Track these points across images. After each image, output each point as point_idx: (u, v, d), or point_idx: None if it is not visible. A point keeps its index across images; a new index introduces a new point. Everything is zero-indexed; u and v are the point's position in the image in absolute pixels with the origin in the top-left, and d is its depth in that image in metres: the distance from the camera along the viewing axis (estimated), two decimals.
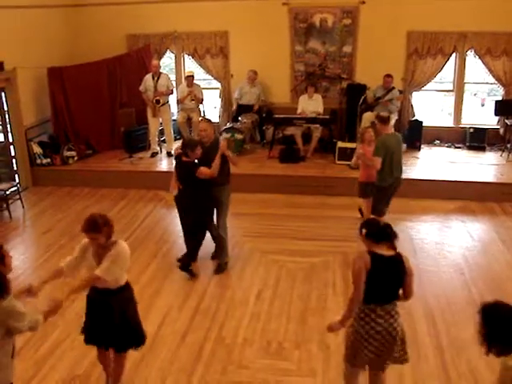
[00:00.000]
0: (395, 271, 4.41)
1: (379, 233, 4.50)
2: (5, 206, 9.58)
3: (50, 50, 11.47)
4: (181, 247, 8.32)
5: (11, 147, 10.80)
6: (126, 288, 4.72)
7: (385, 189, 7.83)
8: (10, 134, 10.72)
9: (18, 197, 9.92)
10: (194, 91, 11.51)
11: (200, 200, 7.02)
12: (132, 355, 5.54)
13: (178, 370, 5.35)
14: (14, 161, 10.86)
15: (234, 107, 12.24)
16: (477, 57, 11.52)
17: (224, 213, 7.48)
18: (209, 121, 7.53)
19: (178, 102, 11.83)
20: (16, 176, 10.82)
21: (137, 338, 4.88)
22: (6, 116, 10.61)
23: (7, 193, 9.60)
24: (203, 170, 6.86)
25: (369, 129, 8.54)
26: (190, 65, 12.83)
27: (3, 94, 10.47)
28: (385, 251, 4.44)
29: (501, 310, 3.38)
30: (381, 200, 7.93)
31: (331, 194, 9.93)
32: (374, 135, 8.17)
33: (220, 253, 7.49)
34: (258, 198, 9.88)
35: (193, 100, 11.55)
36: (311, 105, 11.26)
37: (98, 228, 4.38)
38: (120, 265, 4.48)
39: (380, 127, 7.83)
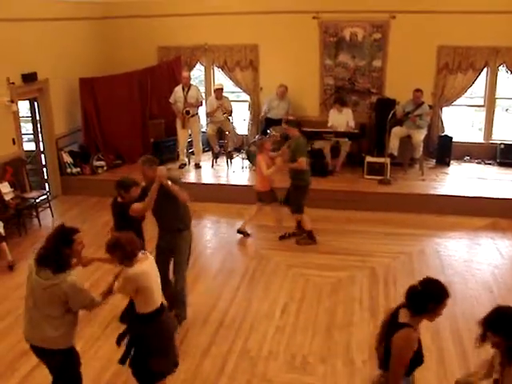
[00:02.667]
0: None
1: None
2: (35, 213, 9.71)
3: (82, 62, 11.62)
4: (207, 259, 8.36)
5: (42, 156, 10.94)
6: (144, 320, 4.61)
7: (306, 187, 8.51)
8: (41, 143, 10.86)
9: (47, 205, 10.04)
10: (224, 104, 11.57)
11: None
12: None
13: (201, 382, 5.34)
14: (44, 169, 10.99)
15: (261, 119, 12.23)
16: (509, 72, 11.39)
17: (182, 265, 6.27)
18: (155, 162, 6.16)
19: (208, 115, 11.87)
20: (46, 184, 10.95)
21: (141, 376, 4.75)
22: (38, 125, 10.76)
23: (37, 201, 9.72)
24: (135, 205, 5.82)
25: (268, 139, 9.23)
26: (220, 77, 12.89)
27: (36, 104, 10.62)
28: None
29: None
30: (304, 198, 8.53)
31: (359, 208, 9.87)
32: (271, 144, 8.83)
33: (178, 306, 6.36)
34: (285, 212, 9.85)
35: (225, 113, 11.61)
36: (341, 118, 11.23)
37: (110, 250, 4.51)
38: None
39: (290, 131, 8.48)
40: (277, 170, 8.45)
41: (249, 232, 9.02)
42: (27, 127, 11.49)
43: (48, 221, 9.86)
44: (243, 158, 11.68)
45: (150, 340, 4.57)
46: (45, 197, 10.03)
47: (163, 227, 6.21)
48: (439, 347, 5.87)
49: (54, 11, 10.65)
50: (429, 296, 3.61)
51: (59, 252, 4.16)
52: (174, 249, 6.17)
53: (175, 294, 6.26)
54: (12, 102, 9.56)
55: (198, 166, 11.64)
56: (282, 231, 8.90)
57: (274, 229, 8.98)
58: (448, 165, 11.49)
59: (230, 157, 11.72)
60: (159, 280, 4.72)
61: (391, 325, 3.73)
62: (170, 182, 5.77)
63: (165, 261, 6.19)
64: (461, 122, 14.47)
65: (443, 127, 11.95)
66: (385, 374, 3.78)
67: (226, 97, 11.77)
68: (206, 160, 11.93)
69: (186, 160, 11.84)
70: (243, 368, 5.57)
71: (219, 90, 11.59)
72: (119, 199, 5.98)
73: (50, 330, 4.25)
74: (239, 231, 8.99)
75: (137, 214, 5.81)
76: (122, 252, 4.42)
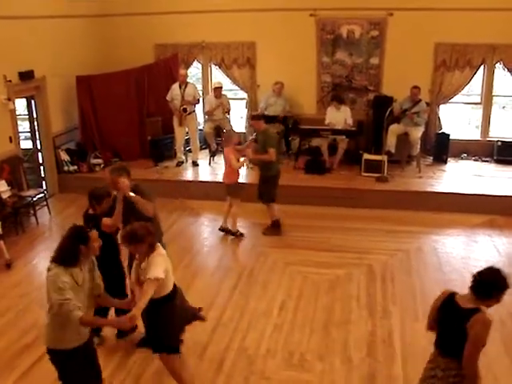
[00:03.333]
0: None
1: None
2: (32, 211, 9.70)
3: (79, 59, 11.59)
4: (204, 257, 8.36)
5: (39, 154, 10.93)
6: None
7: (277, 177, 8.86)
8: (38, 141, 10.85)
9: (44, 203, 10.04)
10: (223, 102, 11.57)
11: (110, 266, 5.56)
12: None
13: (199, 380, 5.34)
14: (41, 167, 10.99)
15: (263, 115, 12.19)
16: (505, 69, 11.40)
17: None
18: (125, 171, 5.99)
19: (207, 114, 11.86)
20: (43, 183, 10.94)
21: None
22: (35, 123, 10.74)
23: (34, 199, 9.71)
24: (105, 221, 5.52)
25: (235, 133, 9.34)
26: (217, 75, 12.87)
27: (33, 102, 10.61)
28: None
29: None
30: (275, 186, 8.83)
31: (356, 206, 9.87)
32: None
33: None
34: (282, 209, 9.84)
35: (226, 112, 11.62)
36: (339, 116, 11.23)
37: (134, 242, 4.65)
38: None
39: (257, 124, 8.76)
40: (246, 161, 8.91)
41: (230, 228, 9.03)
42: (24, 125, 11.47)
43: (45, 219, 9.85)
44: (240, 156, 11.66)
45: (171, 318, 4.78)
46: (42, 195, 10.02)
47: None
48: None
49: (51, 9, 10.62)
50: (495, 284, 3.85)
51: (76, 249, 4.15)
52: None
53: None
54: (9, 99, 9.55)
55: (195, 164, 11.63)
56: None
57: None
58: (445, 162, 11.50)
59: None
60: None
61: (453, 310, 3.98)
62: (133, 194, 5.51)
63: None
64: (458, 119, 14.48)
65: (440, 124, 11.95)
66: (447, 359, 3.97)
67: (224, 95, 11.76)
68: (203, 158, 11.92)
69: (184, 158, 11.82)
70: (241, 366, 5.58)
71: (218, 89, 11.57)
72: (90, 211, 5.72)
73: (47, 326, 4.28)
74: (221, 229, 9.05)
75: (108, 229, 5.50)
76: (150, 242, 4.58)
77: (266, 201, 8.88)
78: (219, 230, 9.01)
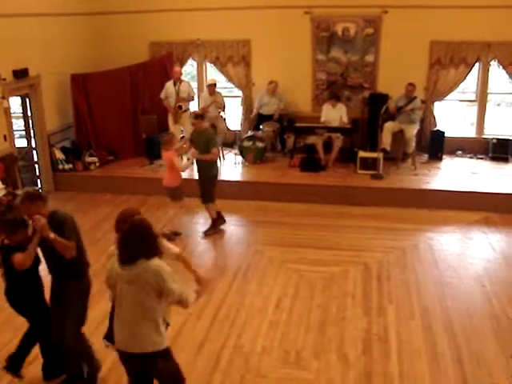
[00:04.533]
0: None
1: None
2: None
3: (74, 57, 11.57)
4: (199, 255, 8.34)
5: (34, 152, 10.90)
6: None
7: (217, 177, 8.91)
8: (33, 140, 10.82)
9: None
10: (217, 99, 11.55)
11: (23, 299, 5.05)
12: None
13: (195, 378, 5.32)
14: (36, 166, 10.96)
15: (253, 115, 12.23)
16: (500, 67, 11.42)
17: (72, 318, 5.02)
18: (40, 199, 5.04)
19: (201, 111, 11.81)
20: (38, 181, 10.92)
21: None
22: (30, 122, 10.71)
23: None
24: (16, 257, 4.72)
25: (174, 136, 9.20)
26: (212, 73, 12.87)
27: (27, 100, 10.58)
28: None
29: None
30: (215, 186, 8.85)
31: (352, 203, 9.89)
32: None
33: (73, 365, 5.19)
34: (278, 207, 9.87)
35: (219, 108, 11.59)
36: (334, 113, 11.22)
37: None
38: None
39: (198, 124, 8.63)
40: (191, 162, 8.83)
41: (179, 232, 8.86)
42: (19, 123, 11.45)
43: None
44: (236, 154, 11.67)
45: None
46: None
47: (51, 274, 5.06)
48: (431, 340, 5.89)
49: (46, 7, 10.58)
50: None
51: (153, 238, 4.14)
52: (60, 299, 5.00)
53: (66, 354, 5.06)
54: (3, 98, 9.52)
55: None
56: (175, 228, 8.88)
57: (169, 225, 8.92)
58: (440, 159, 11.52)
59: None
60: None
61: None
62: (52, 235, 4.59)
63: None
64: (453, 116, 14.51)
65: (435, 122, 11.97)
66: None
67: (218, 92, 11.74)
68: None
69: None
70: (237, 364, 5.57)
71: (212, 86, 11.56)
72: (6, 241, 4.89)
73: (144, 330, 4.05)
74: (171, 233, 8.66)
75: (19, 267, 4.71)
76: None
77: (207, 201, 8.81)
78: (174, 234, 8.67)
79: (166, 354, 4.16)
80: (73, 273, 4.97)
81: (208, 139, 8.48)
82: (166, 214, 9.01)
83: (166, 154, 8.48)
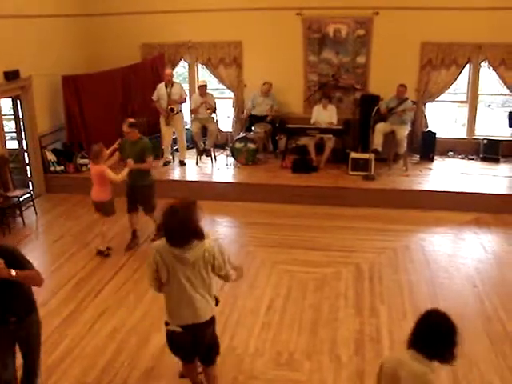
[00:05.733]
0: None
1: None
2: (18, 212, 9.63)
3: (65, 59, 11.54)
4: None
5: (25, 154, 10.86)
6: None
7: (155, 184, 8.49)
8: (24, 142, 10.78)
9: (31, 203, 9.97)
10: (208, 101, 11.54)
11: None
12: (143, 364, 5.57)
13: (187, 379, 5.32)
14: (27, 168, 10.92)
15: (244, 116, 12.26)
16: (491, 68, 11.48)
17: (38, 355, 4.78)
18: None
19: (192, 112, 11.83)
20: (29, 183, 10.87)
21: None
22: (21, 123, 10.67)
23: (21, 199, 9.65)
24: None
25: (103, 146, 8.14)
26: (204, 74, 12.86)
27: (18, 102, 10.53)
28: None
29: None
30: (155, 195, 8.45)
31: (344, 204, 9.90)
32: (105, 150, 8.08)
33: None
34: (270, 208, 9.88)
35: (208, 109, 11.56)
36: (325, 115, 11.24)
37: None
38: None
39: (132, 133, 8.15)
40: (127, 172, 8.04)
41: (107, 251, 8.31)
42: (10, 125, 11.40)
43: (32, 219, 9.79)
44: (227, 155, 11.67)
45: None
46: (28, 195, 9.96)
47: (16, 315, 4.45)
48: None
49: (37, 8, 10.57)
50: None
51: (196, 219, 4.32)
52: (27, 341, 4.64)
53: None
54: None
55: (182, 164, 11.61)
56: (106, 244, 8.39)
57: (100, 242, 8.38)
58: (432, 160, 11.56)
59: (209, 154, 11.77)
60: None
61: None
62: (14, 273, 4.16)
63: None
64: (444, 117, 14.55)
65: (427, 123, 12.01)
66: None
67: (210, 93, 11.73)
68: (190, 157, 11.90)
69: (171, 157, 11.80)
70: (229, 365, 5.56)
71: (203, 87, 11.55)
72: None
73: (205, 300, 4.46)
74: (99, 252, 8.24)
75: None
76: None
77: (151, 210, 8.42)
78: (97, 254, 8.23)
79: (214, 320, 4.64)
80: (31, 307, 4.64)
81: (143, 148, 8.11)
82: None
83: (95, 167, 7.91)
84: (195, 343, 4.54)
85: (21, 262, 4.35)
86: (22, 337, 4.55)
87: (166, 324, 4.56)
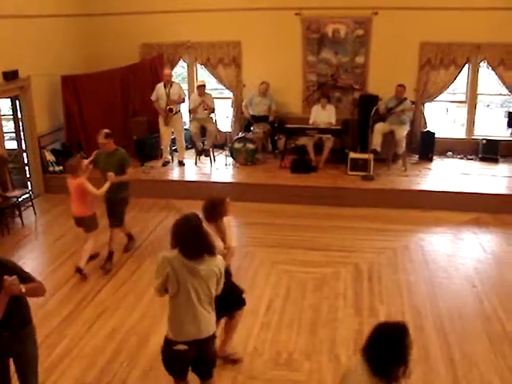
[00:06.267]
0: None
1: None
2: (17, 212, 9.62)
3: (64, 59, 11.53)
4: None
5: (24, 154, 10.85)
6: None
7: (129, 198, 8.07)
8: (23, 142, 10.77)
9: (30, 204, 9.97)
10: (206, 100, 11.53)
11: None
12: (142, 365, 5.57)
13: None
14: (26, 168, 10.91)
15: (248, 116, 12.17)
16: (490, 68, 11.48)
17: (35, 372, 4.50)
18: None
19: (190, 111, 11.82)
20: (28, 183, 10.86)
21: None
22: (20, 123, 10.67)
23: (20, 200, 9.64)
24: None
25: (81, 158, 7.94)
26: (203, 74, 12.86)
27: (17, 102, 10.53)
28: None
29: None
30: (125, 209, 8.09)
31: (343, 204, 9.89)
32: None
33: None
34: (269, 208, 9.87)
35: (205, 110, 11.55)
36: (324, 115, 11.24)
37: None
38: None
39: (108, 144, 7.70)
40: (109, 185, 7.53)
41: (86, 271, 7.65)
42: (9, 125, 11.40)
43: (31, 220, 9.78)
44: (226, 155, 11.66)
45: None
46: (27, 195, 9.95)
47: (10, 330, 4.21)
48: (423, 341, 5.90)
49: (36, 8, 10.55)
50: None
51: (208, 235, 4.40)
52: (23, 357, 4.38)
53: None
54: None
55: (181, 164, 11.61)
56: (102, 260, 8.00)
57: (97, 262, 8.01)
58: (431, 160, 11.56)
59: (207, 154, 11.77)
60: None
61: None
62: (24, 289, 3.99)
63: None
64: (443, 117, 14.56)
65: (426, 123, 12.01)
66: None
67: (208, 93, 11.72)
68: (189, 157, 11.89)
69: (170, 157, 11.79)
70: (228, 365, 5.56)
71: (201, 87, 11.54)
72: None
73: (210, 315, 4.46)
74: (78, 270, 7.53)
75: None
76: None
77: (118, 225, 8.02)
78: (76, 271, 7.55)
79: (215, 335, 4.61)
80: (28, 320, 4.38)
81: (121, 159, 7.70)
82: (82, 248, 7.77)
83: (74, 181, 7.36)
84: (198, 359, 4.49)
85: (21, 275, 4.08)
86: (16, 352, 4.30)
87: (166, 339, 4.43)
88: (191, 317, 4.31)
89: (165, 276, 4.26)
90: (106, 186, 7.46)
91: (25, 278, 4.11)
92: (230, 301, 5.12)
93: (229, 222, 5.34)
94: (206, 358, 4.55)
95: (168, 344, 4.39)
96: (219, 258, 4.38)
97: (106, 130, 7.76)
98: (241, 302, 5.41)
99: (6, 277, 3.89)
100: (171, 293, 4.31)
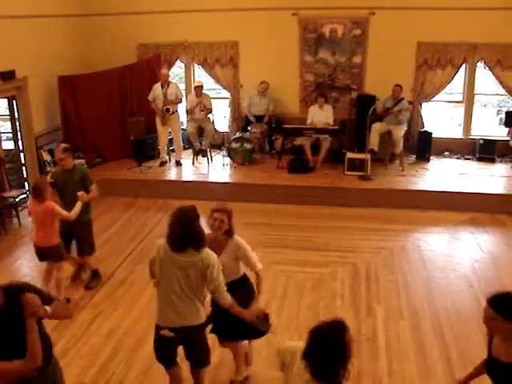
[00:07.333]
0: None
1: None
2: (14, 212, 9.62)
3: (61, 59, 11.51)
4: None
5: (21, 155, 10.83)
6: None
7: (92, 220, 7.31)
8: (20, 142, 10.75)
9: (27, 204, 9.95)
10: (203, 101, 11.53)
11: None
12: (139, 365, 5.56)
13: (186, 380, 5.32)
14: (23, 168, 10.89)
15: (249, 116, 12.20)
16: (486, 68, 11.49)
17: None
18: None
19: (188, 112, 11.82)
20: (25, 183, 10.84)
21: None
22: (17, 124, 10.65)
23: (17, 200, 9.64)
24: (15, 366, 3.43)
25: (47, 179, 6.96)
26: (200, 74, 12.86)
27: (14, 102, 10.51)
28: None
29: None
30: (92, 231, 7.33)
31: (340, 204, 9.90)
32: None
33: None
34: (266, 208, 9.87)
35: (202, 111, 11.55)
36: (321, 115, 11.25)
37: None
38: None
39: (68, 159, 6.91)
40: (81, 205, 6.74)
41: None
42: (6, 126, 11.38)
43: (28, 220, 9.70)
44: (224, 156, 11.66)
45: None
46: (24, 195, 9.95)
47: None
48: (420, 341, 5.92)
49: (33, 8, 10.52)
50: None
51: (199, 231, 4.38)
52: None
53: None
54: None
55: (178, 164, 11.61)
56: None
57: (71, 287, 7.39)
58: (428, 160, 11.57)
59: (204, 154, 11.78)
60: None
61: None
62: (49, 309, 3.45)
63: None
64: (440, 117, 14.57)
65: (423, 123, 12.02)
66: None
67: (206, 94, 11.72)
68: (186, 157, 11.90)
69: (167, 157, 11.79)
70: (226, 365, 5.55)
71: (199, 88, 11.54)
72: None
73: (194, 306, 4.48)
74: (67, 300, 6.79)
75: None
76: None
77: (89, 252, 7.30)
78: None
79: (204, 327, 4.65)
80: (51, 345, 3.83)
81: (82, 176, 6.96)
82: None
83: (40, 206, 6.42)
84: (186, 347, 4.64)
85: (42, 294, 3.52)
86: None
87: (157, 327, 4.58)
88: (171, 304, 4.42)
89: (152, 260, 4.48)
90: (78, 206, 6.65)
91: (48, 299, 3.57)
92: (259, 330, 5.01)
93: (243, 243, 5.17)
94: (192, 347, 4.67)
95: (156, 329, 4.58)
96: (206, 251, 4.35)
97: (65, 145, 7.15)
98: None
99: (26, 293, 3.31)
100: (157, 279, 4.46)
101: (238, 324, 4.75)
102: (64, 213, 6.52)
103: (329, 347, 3.13)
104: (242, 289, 5.01)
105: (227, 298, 4.47)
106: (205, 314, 4.62)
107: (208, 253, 4.36)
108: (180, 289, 4.35)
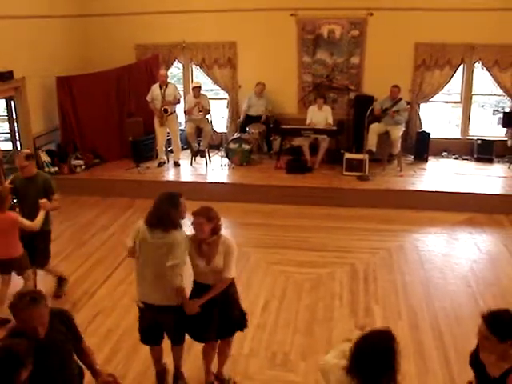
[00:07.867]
0: None
1: None
2: None
3: (59, 60, 11.51)
4: None
5: None
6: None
7: (51, 231, 6.96)
8: (18, 143, 10.75)
9: None
10: (201, 102, 11.52)
11: None
12: (137, 366, 5.56)
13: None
14: None
15: (242, 118, 12.25)
16: (484, 69, 11.51)
17: None
18: None
19: (186, 113, 11.83)
20: None
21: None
22: (15, 124, 10.65)
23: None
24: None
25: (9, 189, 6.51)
26: (198, 75, 12.85)
27: (12, 103, 10.51)
28: None
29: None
30: (50, 245, 6.92)
31: (338, 205, 9.91)
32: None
33: None
34: (264, 209, 9.88)
35: (200, 111, 11.54)
36: (320, 116, 11.25)
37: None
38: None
39: (30, 166, 6.59)
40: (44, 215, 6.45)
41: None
42: (4, 126, 11.38)
43: None
44: (222, 156, 11.66)
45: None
46: None
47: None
48: (418, 341, 5.92)
49: (31, 9, 10.54)
50: None
51: (169, 214, 4.66)
52: None
53: None
54: None
55: (176, 164, 11.61)
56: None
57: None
58: (426, 161, 11.58)
59: (203, 155, 11.79)
60: None
61: None
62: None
63: None
64: (438, 118, 14.58)
65: (421, 123, 12.03)
66: None
67: (204, 95, 11.71)
68: (184, 158, 11.89)
69: (165, 158, 11.78)
70: (224, 366, 5.56)
71: (197, 88, 11.53)
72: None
73: (165, 287, 4.68)
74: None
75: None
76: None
77: (43, 264, 6.87)
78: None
79: (178, 310, 4.78)
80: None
81: (45, 185, 6.65)
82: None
83: (1, 216, 6.13)
84: (157, 325, 4.96)
85: (76, 330, 3.87)
86: None
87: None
88: (144, 281, 4.79)
89: (132, 236, 4.87)
90: (42, 215, 6.33)
91: (78, 338, 3.88)
92: (235, 323, 5.13)
93: (233, 246, 5.18)
94: (163, 325, 4.96)
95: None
96: (175, 232, 4.63)
97: (27, 151, 6.88)
98: (244, 325, 5.19)
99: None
100: (136, 254, 4.83)
101: (235, 318, 5.06)
102: (27, 222, 6.23)
103: (378, 356, 3.06)
104: (233, 288, 5.25)
105: (178, 281, 4.61)
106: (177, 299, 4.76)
107: (176, 234, 4.64)
108: (153, 267, 4.68)
